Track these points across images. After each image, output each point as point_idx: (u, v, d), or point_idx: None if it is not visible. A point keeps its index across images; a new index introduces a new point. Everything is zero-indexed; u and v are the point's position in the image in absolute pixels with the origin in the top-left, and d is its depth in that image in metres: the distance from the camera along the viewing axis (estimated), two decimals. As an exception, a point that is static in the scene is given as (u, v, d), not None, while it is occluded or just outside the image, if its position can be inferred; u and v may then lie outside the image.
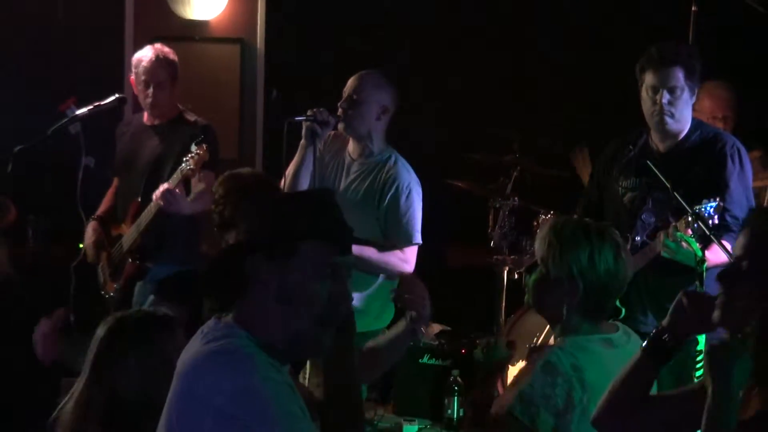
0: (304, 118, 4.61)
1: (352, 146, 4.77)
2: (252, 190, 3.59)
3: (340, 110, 4.67)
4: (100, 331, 2.90)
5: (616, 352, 3.04)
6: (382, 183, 4.63)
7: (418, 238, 4.67)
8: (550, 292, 3.07)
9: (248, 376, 2.29)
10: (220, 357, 2.33)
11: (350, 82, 4.74)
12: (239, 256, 2.39)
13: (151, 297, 3.59)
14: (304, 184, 4.64)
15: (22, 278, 6.06)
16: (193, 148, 4.85)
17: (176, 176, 4.90)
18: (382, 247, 4.58)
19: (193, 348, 2.41)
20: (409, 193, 4.65)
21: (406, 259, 4.62)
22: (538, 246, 3.12)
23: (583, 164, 6.05)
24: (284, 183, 4.69)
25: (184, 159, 4.86)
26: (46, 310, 5.81)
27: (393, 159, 4.71)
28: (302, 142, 4.64)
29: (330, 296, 2.39)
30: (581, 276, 3.01)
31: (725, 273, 2.43)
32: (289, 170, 4.70)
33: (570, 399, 2.93)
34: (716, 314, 2.41)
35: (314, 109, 4.63)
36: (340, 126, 4.72)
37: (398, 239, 4.62)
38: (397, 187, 4.63)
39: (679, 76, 4.28)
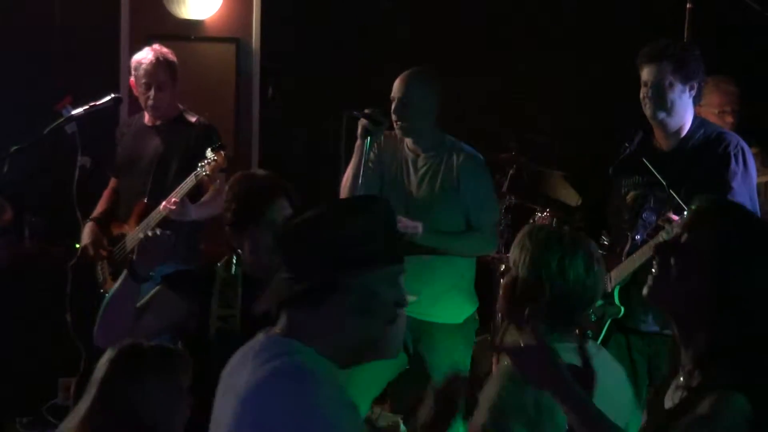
0: (362, 114, 4.58)
1: (409, 142, 4.76)
2: (266, 188, 3.59)
3: (393, 116, 4.65)
4: (112, 354, 2.88)
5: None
6: (457, 170, 4.66)
7: (498, 213, 4.80)
8: (518, 295, 2.97)
9: (312, 396, 2.26)
10: (284, 377, 2.29)
11: (396, 85, 4.70)
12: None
13: (157, 287, 3.57)
14: (362, 183, 4.62)
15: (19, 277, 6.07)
16: (210, 154, 4.84)
17: (190, 180, 4.90)
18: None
19: (248, 368, 2.36)
20: (483, 172, 4.74)
21: (491, 238, 4.72)
22: (512, 250, 3.05)
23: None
24: (344, 183, 4.69)
25: (200, 164, 4.85)
26: (43, 309, 5.83)
27: (455, 144, 4.74)
28: (358, 142, 4.62)
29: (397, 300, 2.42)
30: (549, 282, 2.92)
31: (663, 244, 2.42)
32: (348, 171, 4.68)
33: (539, 405, 2.82)
34: (646, 289, 2.41)
35: (370, 109, 4.60)
36: (398, 132, 4.70)
37: (483, 219, 4.70)
38: (472, 171, 4.68)
39: (665, 70, 4.28)
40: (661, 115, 4.33)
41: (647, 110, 4.36)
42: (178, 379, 2.87)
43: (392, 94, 4.69)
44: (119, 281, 3.49)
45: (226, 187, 3.68)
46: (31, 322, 5.99)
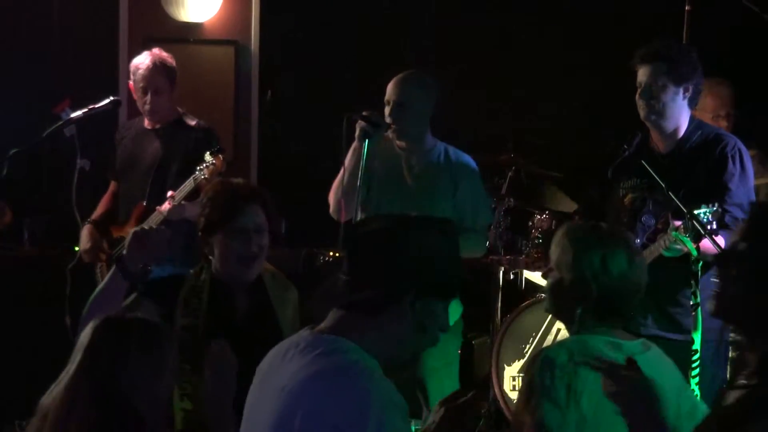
0: (361, 116, 4.59)
1: (402, 143, 4.78)
2: (238, 193, 3.58)
3: (389, 119, 4.66)
4: (96, 323, 2.83)
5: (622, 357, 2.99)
6: (454, 171, 4.71)
7: (492, 216, 4.77)
8: (565, 296, 3.07)
9: (368, 393, 2.30)
10: (340, 373, 2.33)
11: (390, 89, 4.70)
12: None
13: (134, 294, 3.55)
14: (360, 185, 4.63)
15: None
16: (208, 157, 4.84)
17: (189, 184, 4.90)
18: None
19: (293, 362, 2.39)
20: (478, 174, 4.78)
21: (484, 240, 4.75)
22: (553, 251, 3.13)
23: None
24: (336, 183, 4.71)
25: (198, 168, 4.85)
26: (42, 312, 5.82)
27: (448, 148, 4.78)
28: (355, 143, 4.63)
29: None
30: (594, 280, 3.01)
31: (722, 254, 2.44)
32: (342, 171, 4.69)
33: (571, 390, 2.91)
34: (710, 304, 2.42)
35: (368, 111, 4.60)
36: (392, 135, 4.72)
37: (479, 220, 4.74)
38: (468, 172, 4.73)
39: (659, 71, 4.25)
40: (653, 116, 4.31)
41: (640, 111, 4.35)
42: (161, 353, 2.83)
43: (386, 98, 4.70)
44: (107, 276, 3.46)
45: (203, 194, 3.68)
46: (30, 324, 5.99)
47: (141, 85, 5.25)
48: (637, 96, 4.35)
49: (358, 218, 4.49)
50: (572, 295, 3.04)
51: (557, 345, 3.09)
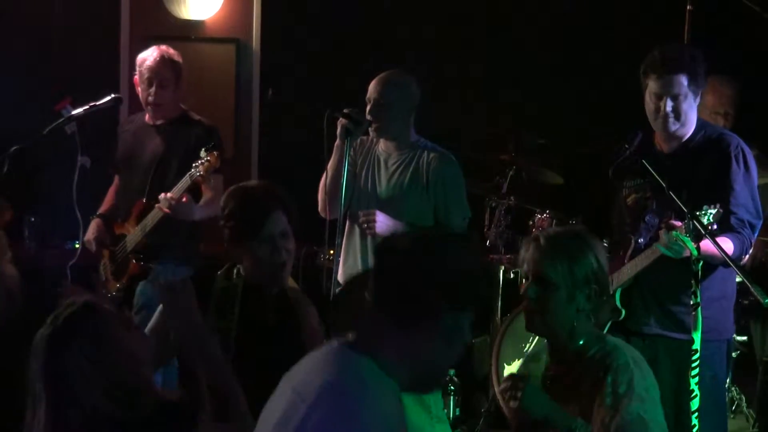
0: (342, 113, 4.61)
1: (384, 143, 4.80)
2: (261, 201, 3.57)
3: (369, 117, 4.68)
4: (36, 344, 2.77)
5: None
6: (426, 167, 4.70)
7: (468, 210, 4.79)
8: (567, 305, 3.00)
9: (358, 414, 2.30)
10: (340, 391, 2.33)
11: (372, 87, 4.74)
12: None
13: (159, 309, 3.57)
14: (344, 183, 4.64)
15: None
16: (203, 154, 4.84)
17: (185, 181, 4.89)
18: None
19: (310, 369, 2.41)
20: (454, 171, 4.76)
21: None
22: (538, 264, 3.03)
23: None
24: (323, 182, 4.73)
25: (194, 165, 4.85)
26: (42, 310, 5.81)
27: (428, 144, 4.79)
28: (337, 142, 4.65)
29: None
30: (595, 279, 2.99)
31: None
32: (327, 171, 4.71)
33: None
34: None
35: (349, 108, 4.63)
36: (373, 133, 4.75)
37: (451, 216, 4.73)
38: (441, 169, 4.71)
39: (682, 83, 4.19)
40: (675, 126, 4.27)
41: (660, 123, 4.24)
42: (108, 337, 2.71)
43: (368, 96, 4.73)
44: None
45: (222, 203, 3.66)
46: (30, 323, 5.98)
47: (147, 76, 5.24)
48: (654, 106, 4.26)
49: (342, 216, 4.53)
50: (575, 301, 2.99)
51: (625, 348, 3.05)
